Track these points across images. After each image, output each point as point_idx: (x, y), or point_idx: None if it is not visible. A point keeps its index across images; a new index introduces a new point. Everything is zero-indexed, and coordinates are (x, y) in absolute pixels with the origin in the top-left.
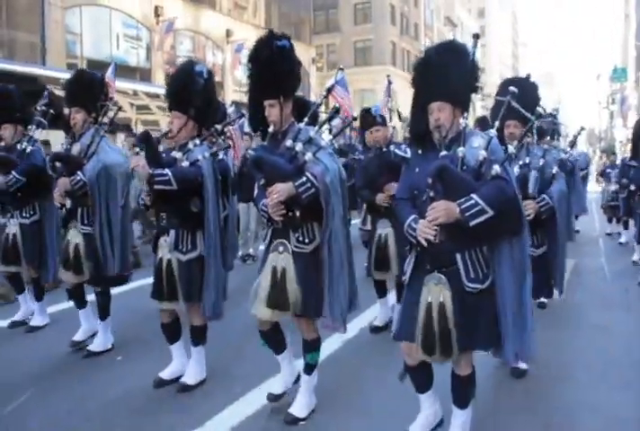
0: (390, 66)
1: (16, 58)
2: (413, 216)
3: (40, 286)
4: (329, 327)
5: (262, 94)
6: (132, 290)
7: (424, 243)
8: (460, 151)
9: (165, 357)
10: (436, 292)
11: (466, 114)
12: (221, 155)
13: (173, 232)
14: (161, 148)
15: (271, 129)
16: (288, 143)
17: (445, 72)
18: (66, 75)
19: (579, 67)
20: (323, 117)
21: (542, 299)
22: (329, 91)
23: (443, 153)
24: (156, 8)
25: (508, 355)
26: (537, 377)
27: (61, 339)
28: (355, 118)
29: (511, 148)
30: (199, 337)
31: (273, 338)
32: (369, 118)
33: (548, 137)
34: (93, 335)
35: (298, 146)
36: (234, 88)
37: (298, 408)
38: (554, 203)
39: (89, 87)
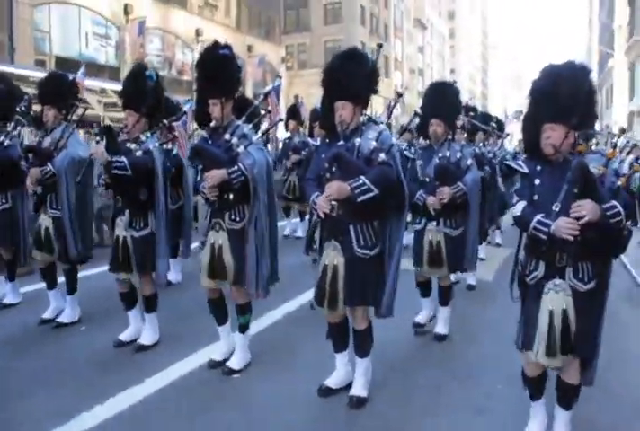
0: None
1: None
2: (316, 193)
3: (12, 268)
4: (252, 295)
5: (206, 94)
6: (97, 273)
7: (322, 215)
8: (357, 141)
9: (124, 327)
10: (332, 257)
11: (364, 111)
12: (175, 150)
13: (127, 212)
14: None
15: (212, 124)
16: (227, 136)
17: (347, 76)
18: (35, 73)
19: None
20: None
21: (470, 282)
22: (266, 96)
23: (341, 142)
24: (126, 6)
25: (386, 310)
26: (453, 340)
27: (33, 315)
28: (281, 120)
29: (394, 139)
30: (150, 305)
31: (218, 308)
32: (316, 114)
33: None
34: (61, 313)
35: (234, 140)
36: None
37: (235, 361)
38: (467, 190)
39: (60, 87)
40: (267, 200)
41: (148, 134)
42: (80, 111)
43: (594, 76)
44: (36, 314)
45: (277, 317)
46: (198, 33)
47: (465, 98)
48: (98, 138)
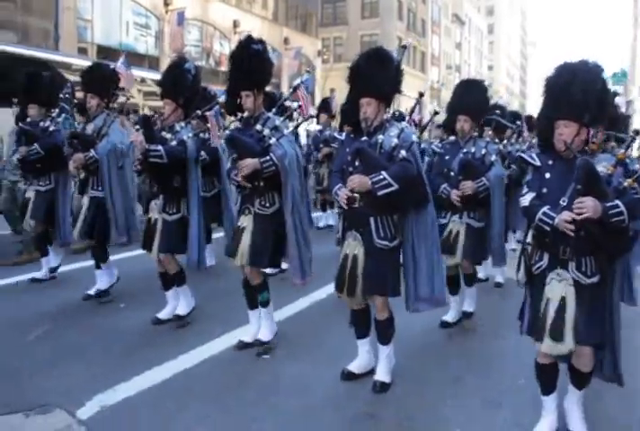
0: None
1: (29, 43)
2: (339, 185)
3: (43, 242)
4: (297, 283)
5: (239, 86)
6: (136, 255)
7: (344, 206)
8: (380, 138)
9: (161, 306)
10: (352, 246)
11: (388, 109)
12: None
13: (161, 197)
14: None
15: (245, 115)
16: (258, 127)
17: (372, 74)
18: (78, 61)
19: None
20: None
21: (498, 279)
22: (295, 89)
23: (364, 138)
24: None
25: (414, 304)
26: (476, 333)
27: (73, 291)
28: (312, 116)
29: (414, 137)
30: (179, 280)
31: (248, 291)
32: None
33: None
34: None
35: (266, 131)
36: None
37: (264, 334)
38: (490, 185)
39: (102, 77)
40: (299, 191)
41: (183, 124)
42: (122, 100)
43: (638, 77)
44: (76, 291)
45: (305, 305)
46: (235, 25)
47: (503, 96)
48: (137, 126)
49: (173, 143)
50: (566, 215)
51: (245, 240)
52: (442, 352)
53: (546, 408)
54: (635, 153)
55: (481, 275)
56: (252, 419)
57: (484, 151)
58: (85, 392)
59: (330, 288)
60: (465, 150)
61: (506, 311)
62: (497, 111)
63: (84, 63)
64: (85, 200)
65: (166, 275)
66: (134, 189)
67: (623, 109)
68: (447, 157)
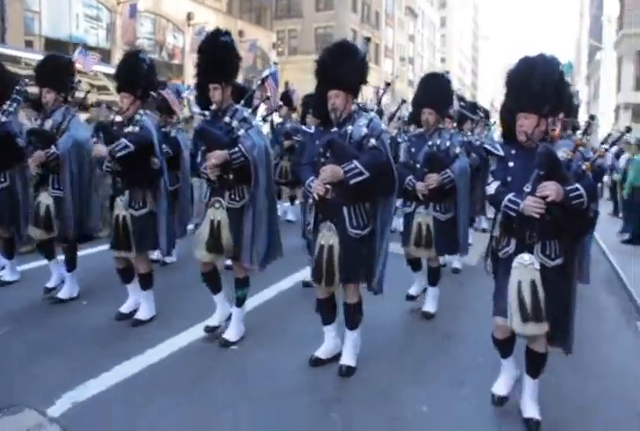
0: None
1: None
2: (311, 177)
3: (10, 245)
4: (248, 269)
5: (208, 79)
6: (98, 252)
7: (316, 198)
8: (349, 128)
9: (123, 302)
10: (327, 237)
11: (355, 99)
12: (173, 133)
13: (127, 192)
14: (119, 118)
15: (213, 107)
16: (227, 119)
17: (339, 67)
18: (26, 54)
19: None
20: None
21: (456, 265)
22: (263, 81)
23: (334, 129)
24: None
25: (379, 286)
26: (438, 317)
27: (35, 291)
28: (280, 107)
29: (383, 126)
30: (146, 282)
31: (212, 280)
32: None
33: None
34: (63, 282)
35: (234, 123)
36: (194, 70)
37: (231, 333)
38: (455, 177)
39: (58, 70)
40: (266, 182)
41: (141, 111)
42: (82, 94)
43: (583, 68)
44: (37, 291)
45: (271, 294)
46: (189, 17)
47: (455, 87)
48: (95, 139)
49: (136, 129)
50: (531, 200)
51: (226, 234)
52: (405, 336)
53: (505, 367)
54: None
55: (440, 260)
56: (225, 407)
57: (448, 143)
58: (55, 390)
59: (294, 278)
60: (430, 142)
61: (463, 295)
62: (462, 103)
63: (35, 56)
64: (45, 199)
65: (126, 271)
66: (100, 187)
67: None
68: (412, 149)
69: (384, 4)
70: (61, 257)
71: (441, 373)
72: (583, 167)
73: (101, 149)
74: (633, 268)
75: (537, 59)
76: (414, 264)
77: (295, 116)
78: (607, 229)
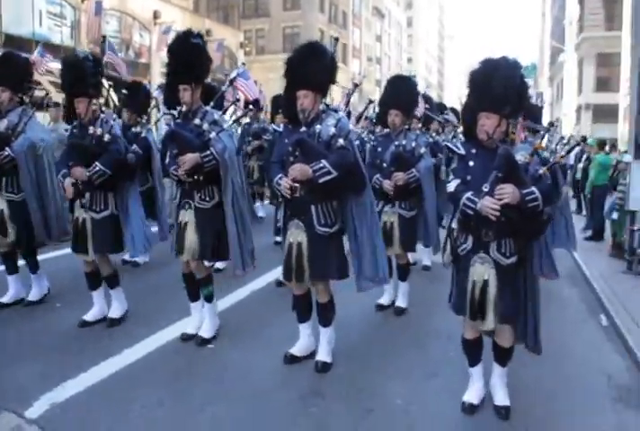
0: None
1: None
2: (279, 175)
3: None
4: (238, 273)
5: (177, 80)
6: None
7: (287, 196)
8: (317, 128)
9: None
10: (296, 234)
11: (323, 99)
12: (144, 133)
13: (87, 194)
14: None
15: (183, 109)
16: (197, 121)
17: (308, 67)
18: None
19: None
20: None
21: (426, 262)
22: (231, 82)
23: (303, 129)
24: None
25: (361, 284)
26: (410, 314)
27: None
28: (257, 101)
29: (351, 126)
30: (112, 282)
31: (190, 284)
32: (277, 102)
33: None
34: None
35: (205, 126)
36: (161, 70)
37: (205, 329)
38: (420, 176)
39: (14, 68)
40: (241, 184)
41: (102, 115)
42: (41, 93)
43: (546, 70)
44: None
45: (244, 294)
46: (156, 15)
47: (421, 87)
48: (62, 175)
49: (106, 136)
50: (488, 200)
51: (190, 235)
52: (379, 332)
53: (474, 377)
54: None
55: (410, 258)
56: (206, 403)
57: (414, 143)
58: (32, 392)
59: (267, 277)
60: (396, 143)
61: (434, 292)
62: (427, 105)
63: None
64: (2, 204)
65: (93, 274)
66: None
67: (533, 101)
68: (379, 149)
69: (351, 5)
70: (21, 261)
71: (415, 367)
72: (540, 171)
73: (80, 175)
74: (595, 263)
75: (501, 62)
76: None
77: (262, 116)
78: None
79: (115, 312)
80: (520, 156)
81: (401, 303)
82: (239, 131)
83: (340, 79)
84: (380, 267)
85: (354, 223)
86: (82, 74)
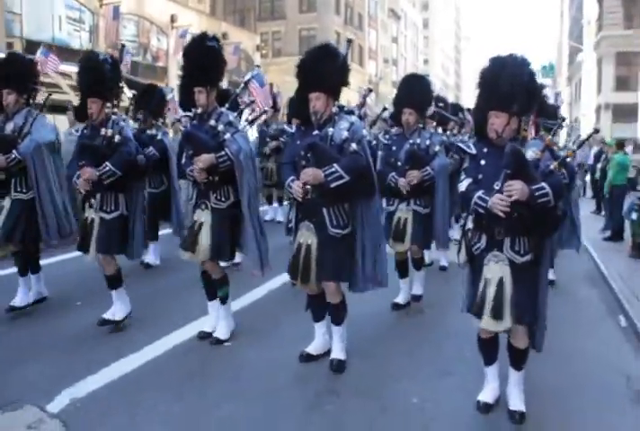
0: None
1: None
2: (291, 177)
3: None
4: (256, 273)
5: (193, 82)
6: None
7: (299, 199)
8: (330, 130)
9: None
10: (306, 236)
11: (336, 102)
12: (160, 136)
13: (98, 195)
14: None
15: (198, 111)
16: (212, 123)
17: (320, 69)
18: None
19: None
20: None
21: (443, 263)
22: (246, 83)
23: (315, 132)
24: None
25: (361, 285)
26: (425, 313)
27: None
28: (266, 111)
29: (364, 131)
30: (114, 283)
31: (207, 283)
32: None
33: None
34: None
35: (220, 127)
36: (178, 73)
37: (220, 331)
38: (434, 174)
39: (20, 70)
40: (254, 186)
41: (115, 117)
42: (44, 96)
43: (564, 70)
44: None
45: (261, 294)
46: (173, 19)
47: (436, 89)
48: (77, 176)
49: (117, 137)
50: (497, 197)
51: (205, 235)
52: (394, 331)
53: (489, 376)
54: (561, 141)
55: (426, 259)
56: (222, 401)
57: (428, 142)
58: (54, 387)
59: (283, 278)
60: (411, 141)
61: (450, 292)
62: (440, 104)
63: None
64: (7, 203)
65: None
66: (68, 189)
67: (552, 101)
68: (394, 148)
69: (367, 7)
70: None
71: (429, 365)
72: (551, 167)
73: (90, 175)
74: (614, 263)
75: (507, 59)
76: (402, 270)
77: (279, 117)
78: (589, 226)
79: (119, 314)
80: (532, 152)
81: (417, 290)
82: (253, 133)
83: (356, 80)
84: (379, 269)
85: (363, 226)
86: (100, 76)
